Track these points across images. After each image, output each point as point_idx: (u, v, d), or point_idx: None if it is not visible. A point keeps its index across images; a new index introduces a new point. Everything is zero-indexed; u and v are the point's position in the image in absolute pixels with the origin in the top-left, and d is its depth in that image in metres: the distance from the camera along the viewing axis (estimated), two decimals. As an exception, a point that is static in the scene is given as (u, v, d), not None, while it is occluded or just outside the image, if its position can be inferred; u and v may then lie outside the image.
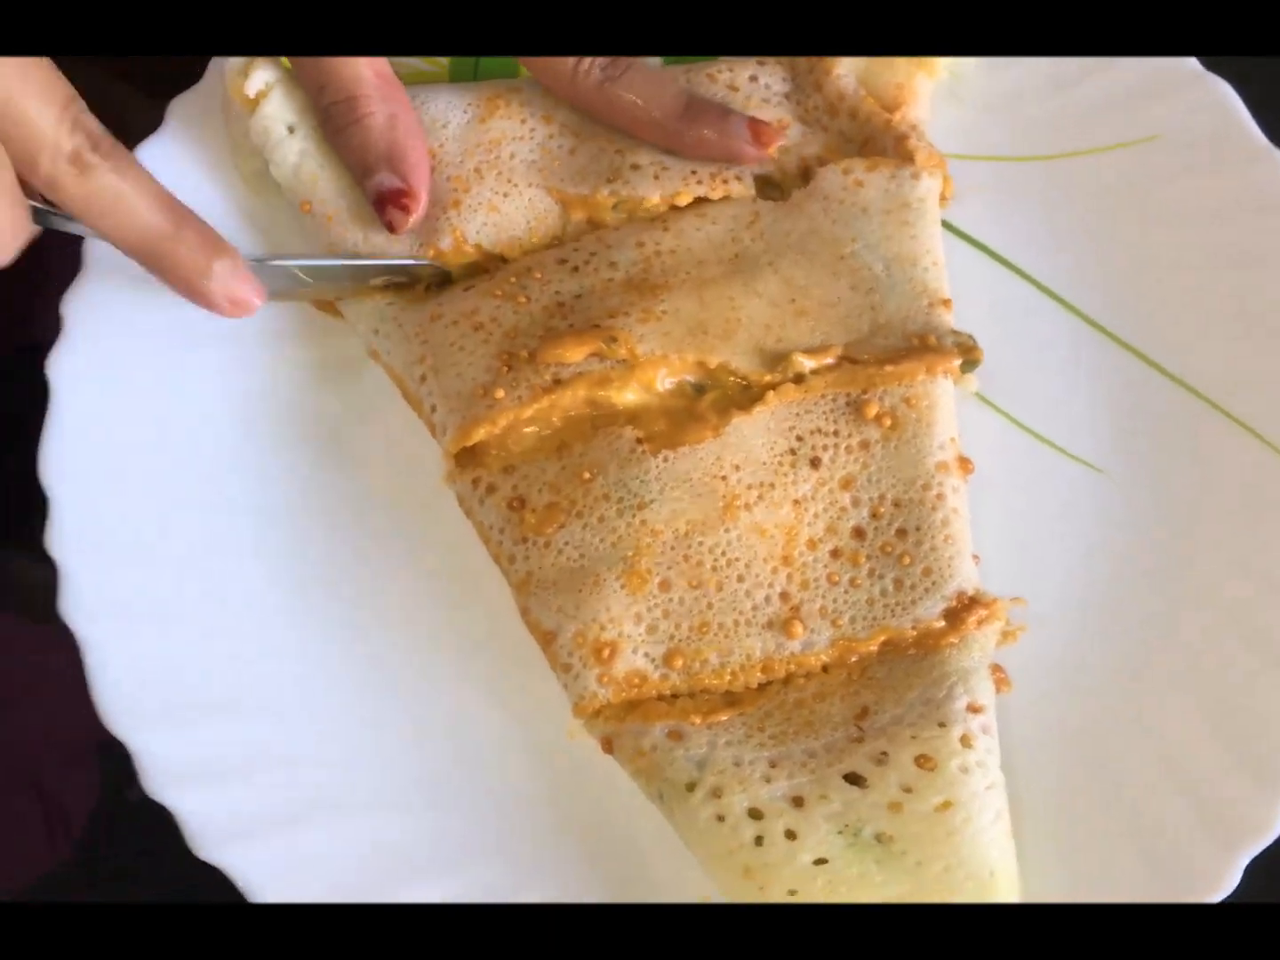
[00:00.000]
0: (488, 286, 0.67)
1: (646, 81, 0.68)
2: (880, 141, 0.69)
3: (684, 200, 0.68)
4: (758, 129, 0.67)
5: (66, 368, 0.66)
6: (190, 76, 0.70)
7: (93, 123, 0.58)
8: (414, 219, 0.66)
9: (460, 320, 0.66)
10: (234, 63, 0.68)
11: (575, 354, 0.63)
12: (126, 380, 0.67)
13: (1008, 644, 0.63)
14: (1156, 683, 0.63)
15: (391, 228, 0.66)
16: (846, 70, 0.70)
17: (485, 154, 0.69)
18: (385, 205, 0.66)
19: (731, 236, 0.68)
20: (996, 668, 0.62)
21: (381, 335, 0.67)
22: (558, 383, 0.63)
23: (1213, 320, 0.68)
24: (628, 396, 0.64)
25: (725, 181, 0.68)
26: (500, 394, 0.63)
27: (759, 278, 0.66)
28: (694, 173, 0.68)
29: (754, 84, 0.71)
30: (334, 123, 0.67)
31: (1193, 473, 0.66)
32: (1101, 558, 0.65)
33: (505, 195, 0.68)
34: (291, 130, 0.68)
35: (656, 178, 0.68)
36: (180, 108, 0.70)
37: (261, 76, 0.67)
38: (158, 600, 0.64)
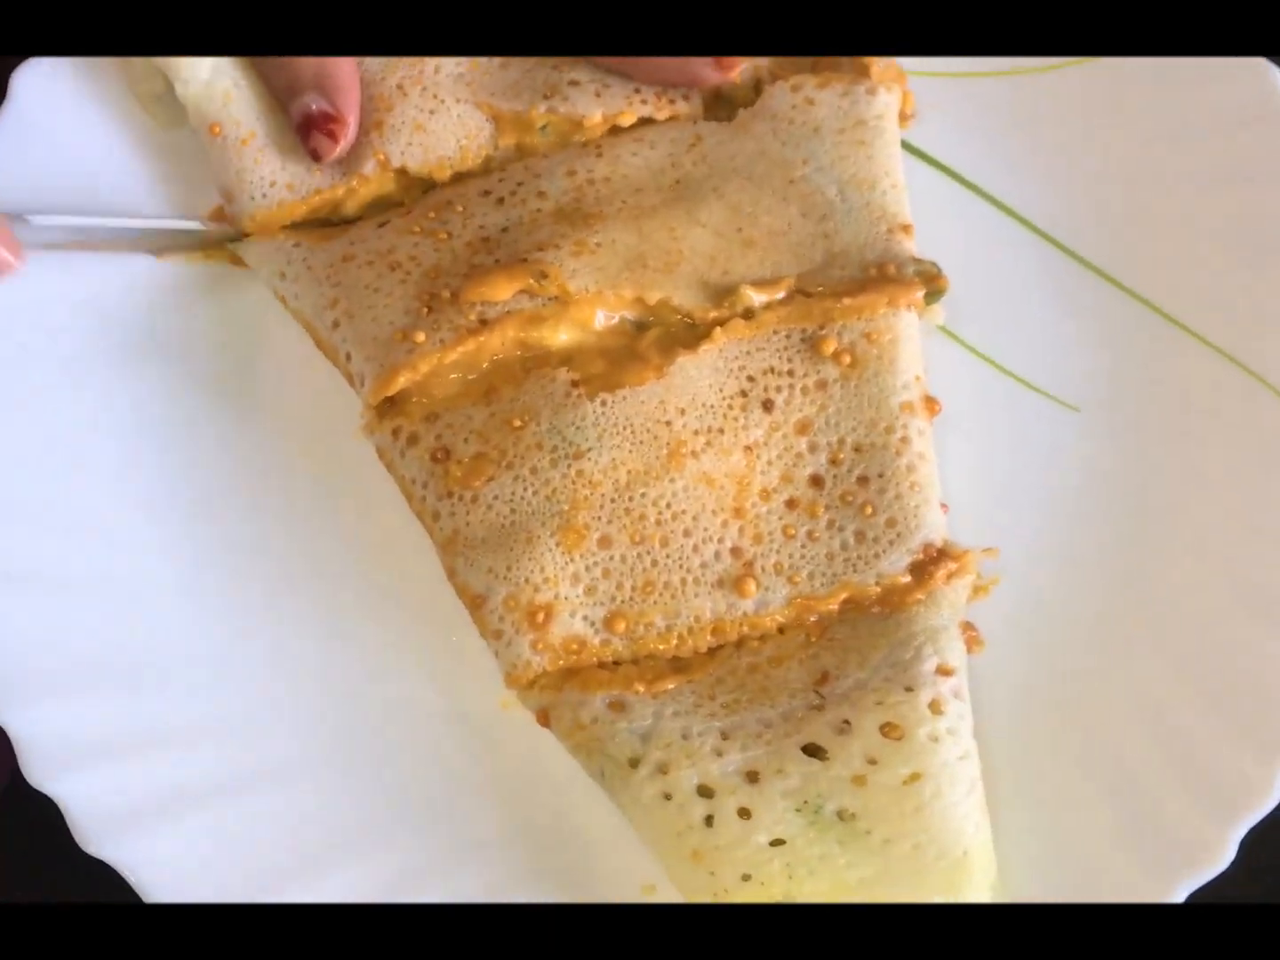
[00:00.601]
0: (404, 223, 0.61)
1: None
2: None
3: (627, 121, 0.63)
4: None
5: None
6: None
7: None
8: (341, 148, 0.61)
9: (375, 260, 0.60)
10: None
11: (502, 292, 0.58)
12: (11, 332, 0.61)
13: (979, 599, 0.58)
14: (1139, 637, 0.58)
15: (316, 155, 0.60)
16: None
17: (409, 68, 0.63)
18: (311, 130, 0.60)
19: (671, 161, 0.62)
20: (968, 625, 0.57)
21: (288, 279, 0.61)
22: (484, 323, 0.58)
23: (1193, 243, 0.64)
24: (561, 337, 0.58)
25: (672, 101, 0.63)
26: (421, 338, 0.57)
27: (702, 205, 0.60)
28: (638, 91, 0.63)
29: None
30: None
31: (1175, 410, 0.62)
32: (1079, 503, 0.61)
33: (432, 112, 0.62)
34: None
35: (598, 95, 0.62)
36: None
37: None
38: (41, 566, 0.58)
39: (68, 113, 0.63)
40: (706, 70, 0.62)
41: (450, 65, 0.63)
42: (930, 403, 0.59)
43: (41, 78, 0.62)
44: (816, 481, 0.57)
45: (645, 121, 0.63)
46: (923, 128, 0.66)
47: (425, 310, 0.58)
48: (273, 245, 0.62)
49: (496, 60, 0.63)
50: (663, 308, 0.58)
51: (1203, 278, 0.63)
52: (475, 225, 0.60)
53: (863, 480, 0.57)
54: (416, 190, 0.63)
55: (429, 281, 0.59)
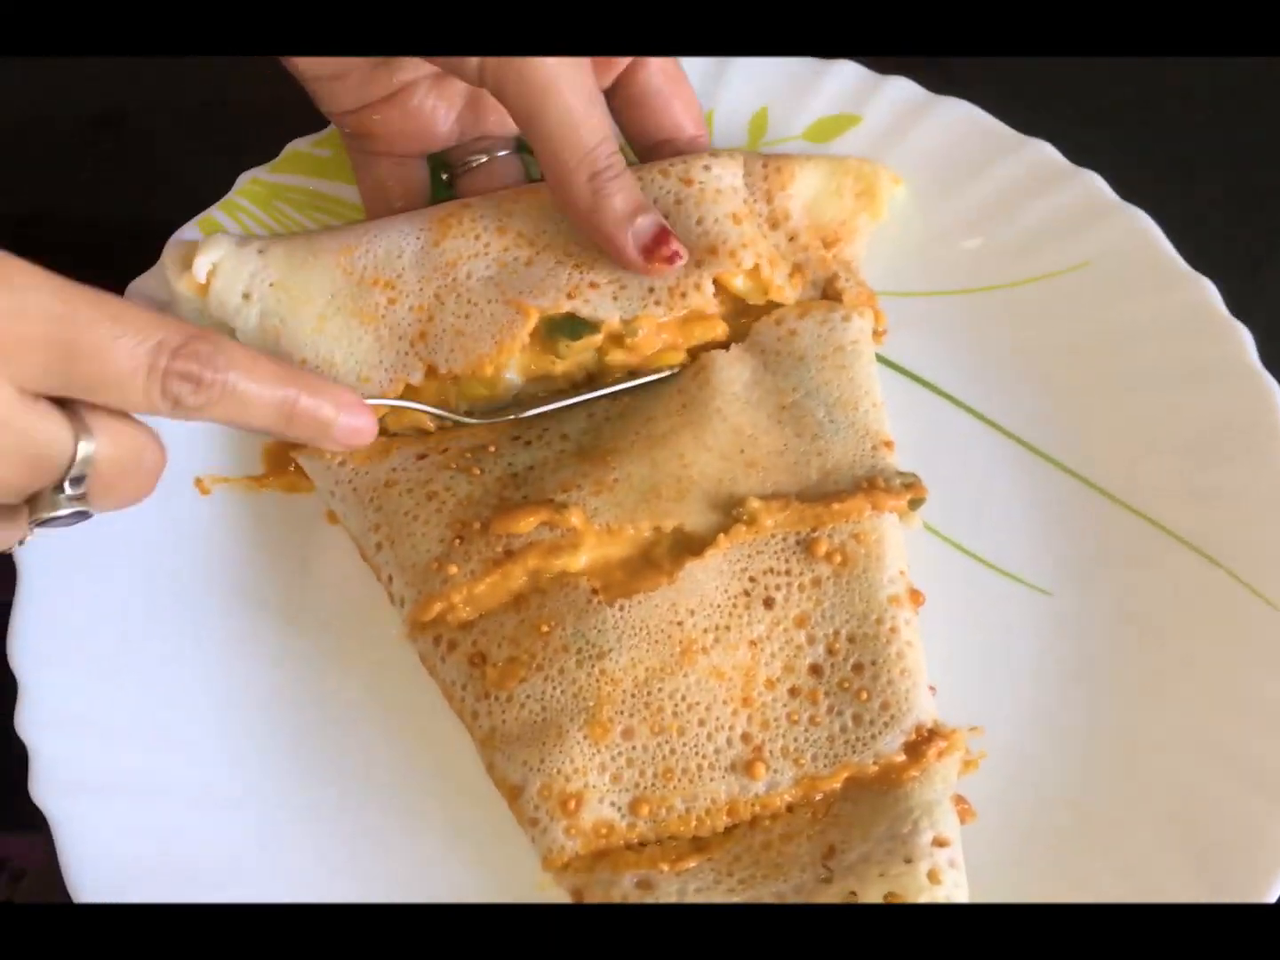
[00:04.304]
0: (442, 459, 0.68)
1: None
2: (809, 271, 0.72)
3: (646, 325, 0.68)
4: (658, 238, 0.67)
5: (34, 550, 0.67)
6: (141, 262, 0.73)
7: (186, 363, 0.54)
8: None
9: (415, 489, 0.67)
10: (173, 256, 0.70)
11: (526, 526, 0.65)
12: (92, 557, 0.68)
13: (969, 773, 0.64)
14: (1117, 801, 0.63)
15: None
16: (798, 192, 0.73)
17: (443, 278, 0.69)
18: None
19: (678, 388, 0.69)
20: (959, 798, 0.62)
21: (337, 498, 0.68)
22: (509, 554, 0.64)
23: (1144, 438, 0.70)
24: (581, 560, 0.65)
25: (684, 295, 0.68)
26: (453, 570, 0.64)
27: (707, 428, 0.68)
28: (651, 291, 0.68)
29: (708, 172, 0.71)
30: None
31: (1134, 590, 0.67)
32: (1055, 680, 0.66)
33: (467, 316, 0.69)
34: (247, 297, 0.69)
35: (615, 298, 0.68)
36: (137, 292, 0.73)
37: (206, 259, 0.69)
38: (125, 776, 0.64)
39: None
40: (633, 263, 0.67)
41: (481, 270, 0.69)
42: (915, 595, 0.65)
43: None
44: (816, 670, 0.64)
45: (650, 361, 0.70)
46: (897, 342, 0.73)
47: (457, 540, 0.65)
48: (322, 464, 0.69)
49: (521, 259, 0.69)
50: (676, 533, 0.65)
51: (1160, 470, 0.69)
52: (504, 463, 0.68)
53: (857, 668, 0.63)
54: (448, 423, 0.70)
55: (461, 510, 0.66)
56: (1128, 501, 0.70)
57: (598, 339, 0.69)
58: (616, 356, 0.69)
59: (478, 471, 0.67)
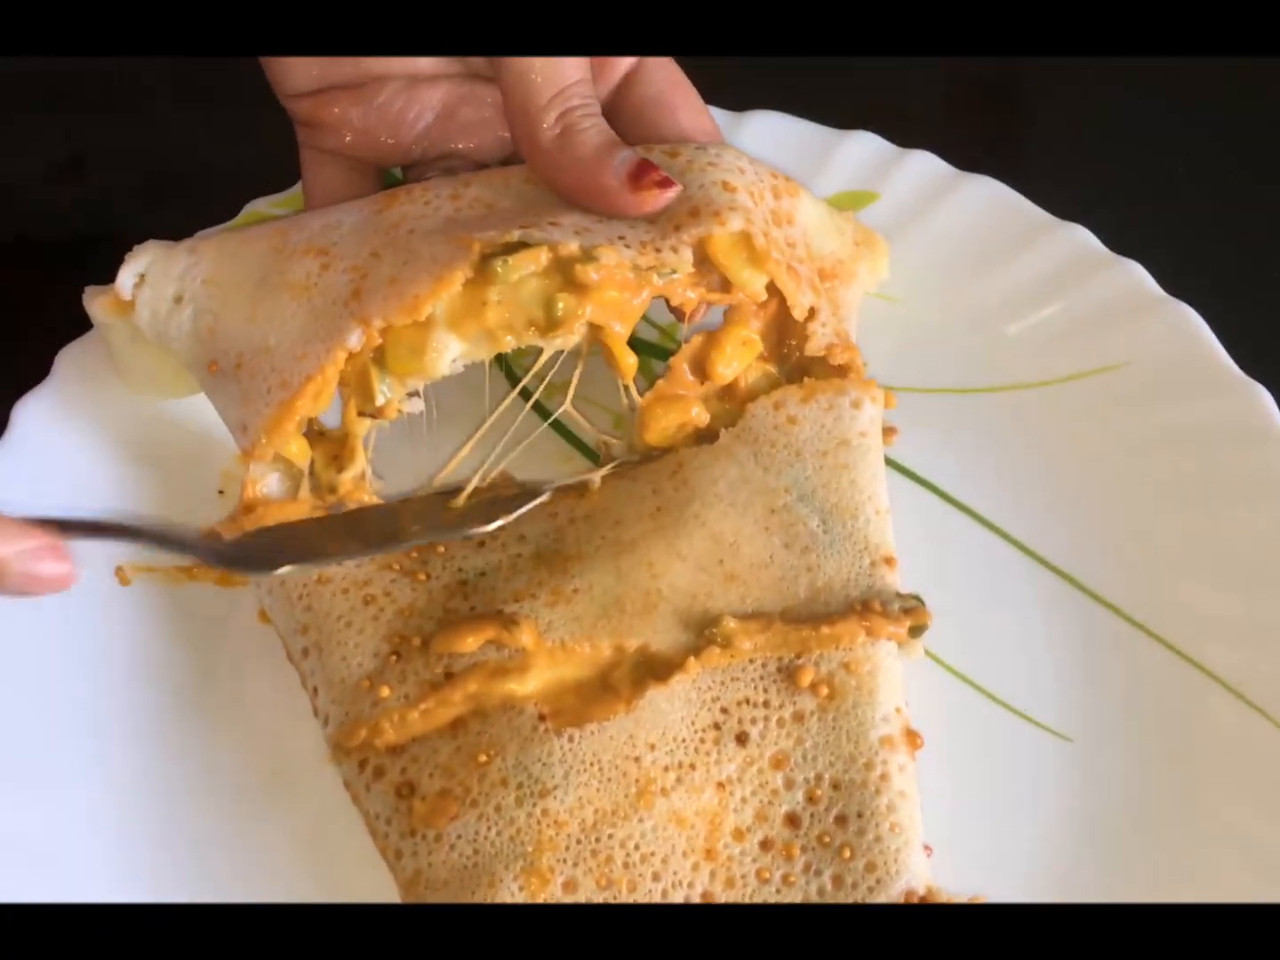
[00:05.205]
0: (385, 559, 0.61)
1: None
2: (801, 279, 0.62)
3: (607, 256, 0.58)
4: (643, 165, 0.59)
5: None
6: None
7: None
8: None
9: (351, 589, 0.60)
10: (93, 289, 0.64)
11: (471, 645, 0.57)
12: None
13: (967, 950, 0.55)
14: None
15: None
16: (803, 208, 0.65)
17: (384, 237, 0.61)
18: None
19: (652, 488, 0.62)
20: (954, 982, 0.54)
21: (263, 589, 0.61)
22: (449, 676, 0.57)
23: (1184, 563, 0.63)
24: (530, 686, 0.57)
25: (658, 250, 0.59)
26: (385, 693, 0.57)
27: (683, 534, 0.60)
28: (621, 237, 0.59)
29: (700, 151, 0.63)
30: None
31: (1171, 738, 0.59)
32: (1073, 842, 0.58)
33: (405, 263, 0.59)
34: (179, 300, 0.62)
35: (577, 233, 0.59)
36: (68, 357, 0.67)
37: (132, 269, 0.62)
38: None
39: (67, 438, 0.65)
40: (611, 181, 0.59)
41: (426, 227, 0.61)
42: (912, 736, 0.57)
43: (41, 407, 0.65)
44: (793, 821, 0.55)
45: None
46: (904, 444, 0.66)
47: (393, 657, 0.58)
48: None
49: (475, 216, 0.61)
50: (640, 654, 0.58)
51: (1202, 601, 0.62)
52: (454, 568, 0.61)
53: (841, 820, 0.55)
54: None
55: (401, 621, 0.59)
56: (1164, 636, 0.62)
57: (539, 254, 0.58)
58: (569, 304, 0.58)
59: (423, 577, 0.61)
